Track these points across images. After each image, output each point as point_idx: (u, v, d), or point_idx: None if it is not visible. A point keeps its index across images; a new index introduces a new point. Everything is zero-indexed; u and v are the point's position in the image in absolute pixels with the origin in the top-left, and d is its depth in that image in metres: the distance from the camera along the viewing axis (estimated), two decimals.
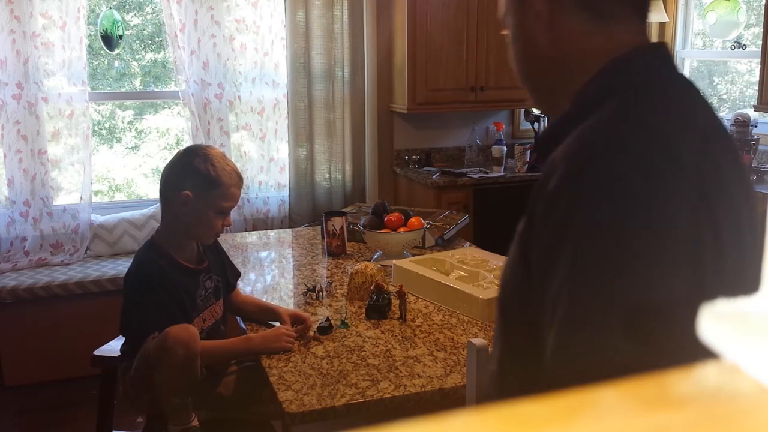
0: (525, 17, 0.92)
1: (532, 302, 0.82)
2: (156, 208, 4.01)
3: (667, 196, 0.76)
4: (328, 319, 2.03)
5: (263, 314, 2.17)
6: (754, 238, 0.87)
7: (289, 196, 4.34)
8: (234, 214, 4.12)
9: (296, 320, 2.05)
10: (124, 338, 2.12)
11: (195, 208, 2.00)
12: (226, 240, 3.00)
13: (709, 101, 0.91)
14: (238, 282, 2.32)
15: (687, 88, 0.91)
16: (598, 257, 0.75)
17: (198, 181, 1.99)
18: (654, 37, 4.97)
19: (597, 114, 0.83)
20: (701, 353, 0.72)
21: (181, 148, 2.21)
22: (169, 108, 4.64)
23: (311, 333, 1.98)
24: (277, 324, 2.06)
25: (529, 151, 4.35)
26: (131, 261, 2.07)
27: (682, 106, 0.87)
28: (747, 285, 0.84)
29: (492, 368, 0.99)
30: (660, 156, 0.78)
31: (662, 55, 0.91)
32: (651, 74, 0.88)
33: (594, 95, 0.87)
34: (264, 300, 2.27)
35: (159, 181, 2.09)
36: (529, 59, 0.95)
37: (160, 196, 2.07)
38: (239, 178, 2.07)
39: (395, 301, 2.13)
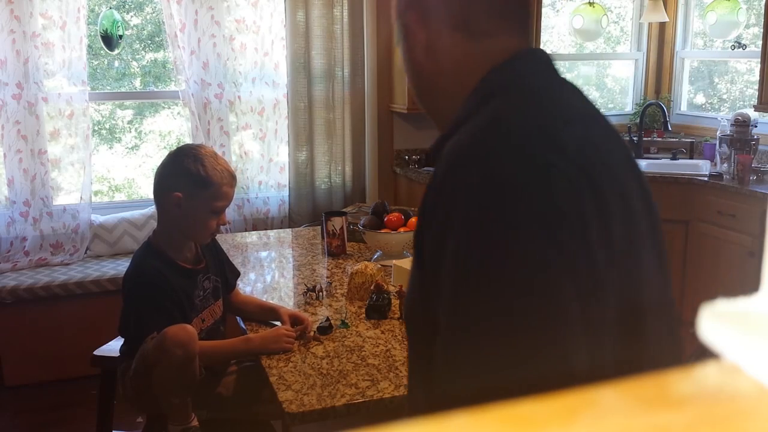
0: (409, 43, 0.96)
1: (430, 306, 0.80)
2: None
3: (548, 183, 0.75)
4: (328, 319, 2.03)
5: (263, 314, 2.16)
6: (649, 220, 0.87)
7: (289, 196, 4.34)
8: (234, 214, 4.13)
9: (296, 321, 2.05)
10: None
11: (188, 208, 1.99)
12: (226, 240, 3.00)
13: (591, 101, 0.93)
14: (238, 282, 2.32)
15: (565, 86, 0.92)
16: (478, 253, 0.74)
17: (189, 182, 1.98)
18: (654, 38, 4.98)
19: (477, 115, 0.85)
20: (584, 357, 0.71)
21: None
22: (169, 108, 4.64)
23: (311, 333, 1.98)
24: (278, 324, 2.06)
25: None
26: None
27: (561, 100, 0.89)
28: (642, 276, 0.84)
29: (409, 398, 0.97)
30: (539, 143, 0.78)
31: (540, 58, 0.93)
32: (530, 77, 0.90)
33: (475, 101, 0.89)
34: (264, 300, 2.27)
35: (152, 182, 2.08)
36: (419, 82, 0.99)
37: (153, 197, 2.07)
38: (231, 177, 2.05)
39: (395, 301, 2.13)
